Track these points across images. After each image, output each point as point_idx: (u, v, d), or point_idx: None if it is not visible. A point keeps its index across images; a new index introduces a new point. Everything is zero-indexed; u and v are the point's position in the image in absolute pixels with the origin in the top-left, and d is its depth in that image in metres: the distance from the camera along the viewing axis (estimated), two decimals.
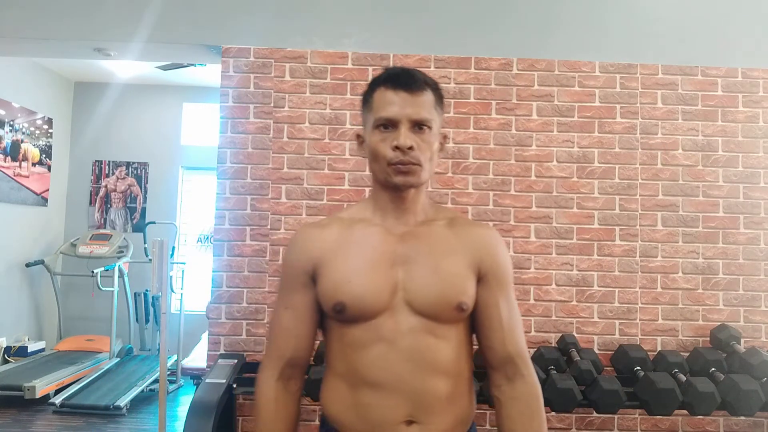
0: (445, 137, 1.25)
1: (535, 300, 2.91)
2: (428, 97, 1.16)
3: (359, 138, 1.24)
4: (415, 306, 1.13)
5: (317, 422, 2.87)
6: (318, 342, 2.92)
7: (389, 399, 1.11)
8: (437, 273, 1.14)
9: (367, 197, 1.27)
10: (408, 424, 1.11)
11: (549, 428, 3.00)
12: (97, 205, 5.83)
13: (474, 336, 1.23)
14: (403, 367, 1.11)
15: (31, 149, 5.28)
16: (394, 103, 1.13)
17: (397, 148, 1.12)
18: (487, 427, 2.78)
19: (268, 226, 2.92)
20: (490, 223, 2.91)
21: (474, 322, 1.20)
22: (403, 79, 1.15)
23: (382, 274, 1.14)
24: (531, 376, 1.19)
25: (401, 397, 1.11)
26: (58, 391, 4.25)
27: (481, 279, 1.18)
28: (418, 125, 1.13)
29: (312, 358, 2.75)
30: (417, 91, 1.14)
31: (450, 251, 1.17)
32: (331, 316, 1.16)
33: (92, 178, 5.85)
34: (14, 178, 5.07)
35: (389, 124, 1.14)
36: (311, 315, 1.21)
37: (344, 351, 1.16)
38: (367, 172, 3.21)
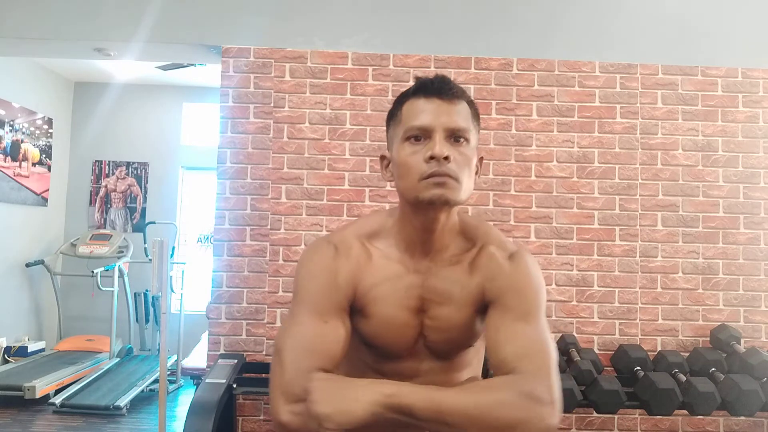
0: (481, 159, 1.11)
1: None
2: (464, 107, 1.04)
3: (384, 160, 1.12)
4: (434, 352, 1.13)
5: None
6: None
7: None
8: (454, 322, 1.09)
9: (388, 217, 1.15)
10: None
11: None
12: (97, 205, 5.82)
13: None
14: None
15: (31, 149, 5.28)
16: (426, 110, 1.01)
17: (431, 158, 0.98)
18: None
19: (268, 226, 2.92)
20: (490, 224, 2.90)
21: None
22: (437, 85, 1.03)
23: (411, 324, 1.10)
24: (531, 378, 0.96)
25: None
26: (58, 391, 4.25)
27: (491, 301, 1.07)
28: (455, 136, 1.01)
29: None
30: (453, 99, 1.02)
31: (465, 294, 1.09)
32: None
33: (92, 178, 5.85)
34: (14, 178, 5.07)
35: (422, 135, 1.01)
36: (348, 340, 1.07)
37: (364, 371, 1.15)
38: (367, 172, 3.22)
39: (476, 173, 1.09)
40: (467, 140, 1.03)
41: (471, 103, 1.07)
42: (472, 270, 1.09)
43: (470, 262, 1.10)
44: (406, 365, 1.13)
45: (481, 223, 1.17)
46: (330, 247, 1.10)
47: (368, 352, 1.16)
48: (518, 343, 1.00)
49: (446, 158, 0.98)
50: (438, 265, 1.10)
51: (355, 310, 1.10)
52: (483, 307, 1.08)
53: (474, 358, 1.22)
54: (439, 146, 0.99)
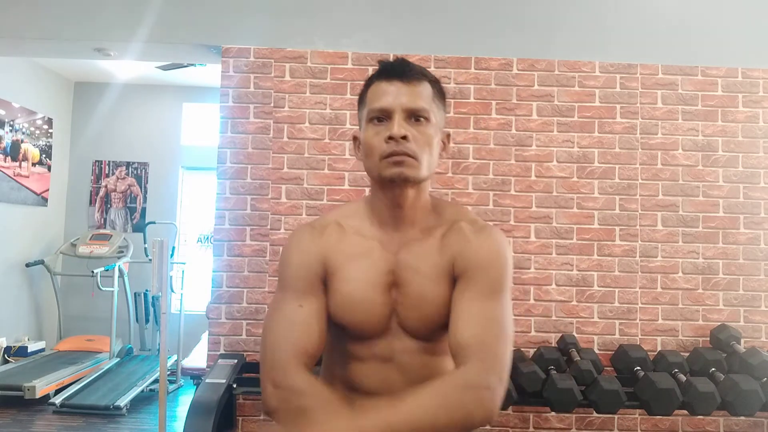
0: (448, 136, 1.16)
1: (535, 300, 2.91)
2: (425, 88, 1.09)
3: (356, 140, 1.17)
4: (408, 330, 1.11)
5: None
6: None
7: None
8: (426, 297, 1.09)
9: (364, 198, 1.20)
10: None
11: (549, 428, 2.99)
12: (97, 205, 5.82)
13: None
14: (397, 379, 1.11)
15: (31, 149, 5.28)
16: (387, 93, 1.07)
17: (390, 138, 1.04)
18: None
19: (268, 226, 2.92)
20: (490, 224, 2.91)
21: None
22: (397, 68, 1.09)
23: (379, 301, 1.10)
24: (472, 368, 0.97)
25: None
26: (58, 391, 4.25)
27: (459, 274, 1.08)
28: (414, 116, 1.06)
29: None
30: (412, 80, 1.07)
31: (437, 269, 1.10)
32: (335, 323, 1.15)
33: (92, 178, 5.85)
34: (14, 178, 5.06)
35: (383, 116, 1.07)
36: (325, 316, 1.10)
37: (343, 358, 1.16)
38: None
39: (443, 149, 1.14)
40: (427, 119, 1.07)
41: (435, 83, 1.12)
42: (443, 245, 1.11)
43: (441, 237, 1.12)
44: (380, 346, 1.12)
45: (454, 204, 1.23)
46: (306, 230, 1.16)
47: (343, 334, 1.14)
48: (475, 326, 1.02)
49: (404, 138, 1.04)
50: (409, 240, 1.12)
51: (327, 286, 1.12)
52: (455, 282, 1.09)
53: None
54: (397, 127, 1.04)
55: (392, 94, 1.06)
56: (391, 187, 1.08)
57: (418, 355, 1.12)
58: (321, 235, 1.14)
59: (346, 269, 1.11)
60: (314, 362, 1.06)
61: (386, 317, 1.11)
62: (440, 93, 1.13)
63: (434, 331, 1.11)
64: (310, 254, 1.12)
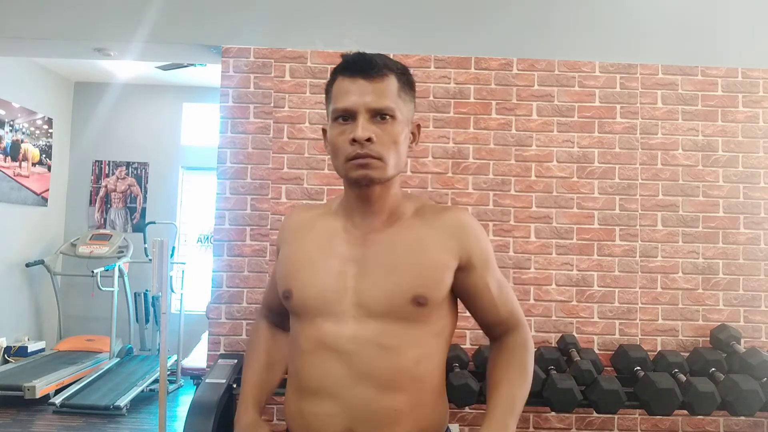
0: (418, 127, 1.14)
1: (535, 300, 2.91)
2: (390, 83, 1.05)
3: (325, 134, 1.14)
4: (364, 309, 1.05)
5: None
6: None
7: (329, 408, 1.04)
8: (394, 269, 1.06)
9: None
10: None
11: (549, 428, 2.99)
12: (97, 205, 5.83)
13: (451, 330, 1.18)
14: (344, 375, 1.04)
15: (31, 149, 5.28)
16: (350, 91, 1.04)
17: (354, 141, 1.02)
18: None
19: (268, 226, 2.92)
20: (490, 224, 2.91)
21: (466, 305, 1.18)
22: (359, 65, 1.05)
23: (331, 274, 1.08)
24: (522, 330, 1.18)
25: (340, 408, 1.03)
26: (58, 391, 4.25)
27: (464, 266, 1.11)
28: (379, 115, 1.04)
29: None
30: (375, 78, 1.04)
31: (417, 243, 1.08)
32: (284, 304, 1.17)
33: (92, 178, 5.85)
34: (14, 178, 5.07)
35: (347, 116, 1.04)
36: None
37: (293, 354, 1.13)
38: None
39: (413, 141, 1.13)
40: (393, 117, 1.05)
41: (401, 74, 1.09)
42: (419, 215, 1.13)
43: (414, 213, 1.14)
44: (330, 331, 1.05)
45: (418, 196, 1.25)
46: (298, 207, 1.31)
47: (296, 321, 1.13)
48: (502, 301, 1.17)
49: (368, 140, 1.02)
50: (378, 228, 1.12)
51: (279, 255, 1.24)
52: (442, 246, 1.09)
53: (426, 357, 1.09)
54: (361, 129, 1.02)
55: (355, 93, 1.03)
56: (358, 186, 1.09)
57: (369, 346, 1.04)
58: (299, 214, 1.24)
59: (300, 241, 1.16)
60: (278, 317, 1.31)
61: (336, 294, 1.06)
62: (407, 84, 1.10)
63: (397, 307, 1.05)
64: (284, 229, 1.24)
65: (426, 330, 1.08)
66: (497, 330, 1.19)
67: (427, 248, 1.08)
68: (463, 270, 1.11)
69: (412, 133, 1.13)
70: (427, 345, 1.09)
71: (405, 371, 1.05)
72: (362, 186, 1.07)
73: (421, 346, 1.08)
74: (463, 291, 1.14)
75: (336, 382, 1.04)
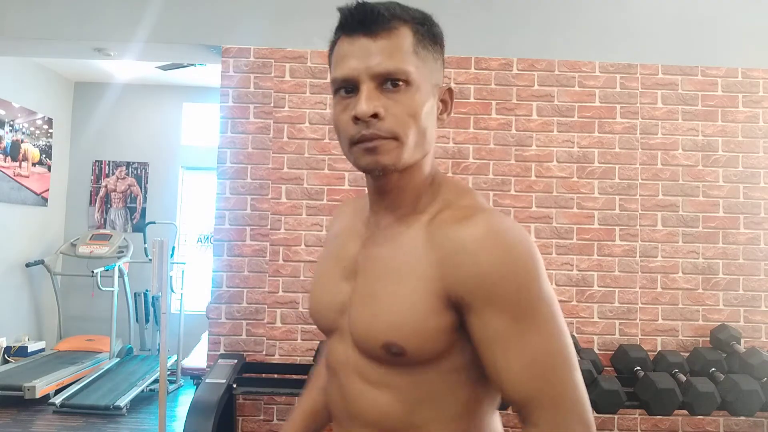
0: (449, 92, 0.86)
1: None
2: (402, 37, 0.79)
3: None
4: (353, 335, 0.83)
5: None
6: (318, 342, 2.90)
7: None
8: (374, 297, 0.81)
9: None
10: None
11: None
12: (97, 205, 5.82)
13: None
14: (338, 402, 0.87)
15: (31, 149, 5.28)
16: (350, 55, 0.79)
17: (357, 119, 0.77)
18: None
19: (268, 226, 2.92)
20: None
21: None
22: (358, 17, 0.78)
23: (332, 288, 0.88)
24: (546, 426, 0.72)
25: None
26: (58, 391, 4.25)
27: (465, 305, 0.75)
28: (390, 81, 0.78)
29: (313, 358, 2.76)
30: (381, 33, 0.78)
31: (404, 266, 0.79)
32: None
33: (92, 178, 5.85)
34: (14, 178, 5.06)
35: (349, 87, 0.80)
36: None
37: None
38: None
39: (444, 111, 0.85)
40: (407, 82, 0.78)
41: (420, 24, 0.81)
42: (429, 225, 0.81)
43: (429, 220, 0.81)
44: (335, 349, 0.87)
45: (454, 184, 0.88)
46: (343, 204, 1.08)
47: None
48: (525, 373, 0.72)
49: (375, 116, 0.77)
50: (383, 227, 0.87)
51: None
52: (429, 277, 0.77)
53: (422, 409, 0.79)
54: (365, 102, 0.77)
55: (356, 57, 0.78)
56: (372, 176, 0.85)
57: (355, 376, 0.83)
58: (346, 205, 1.03)
59: (328, 244, 0.98)
60: None
61: (336, 312, 0.87)
62: (430, 36, 0.82)
63: (372, 350, 0.79)
64: (328, 228, 1.06)
65: (430, 368, 0.78)
66: (520, 415, 0.76)
67: (411, 278, 0.78)
68: (463, 311, 0.76)
69: (442, 101, 0.85)
70: (429, 385, 0.78)
71: (393, 419, 0.80)
72: (374, 176, 0.84)
73: (419, 387, 0.79)
74: (474, 344, 0.77)
75: (337, 414, 0.88)
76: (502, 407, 0.90)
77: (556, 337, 0.73)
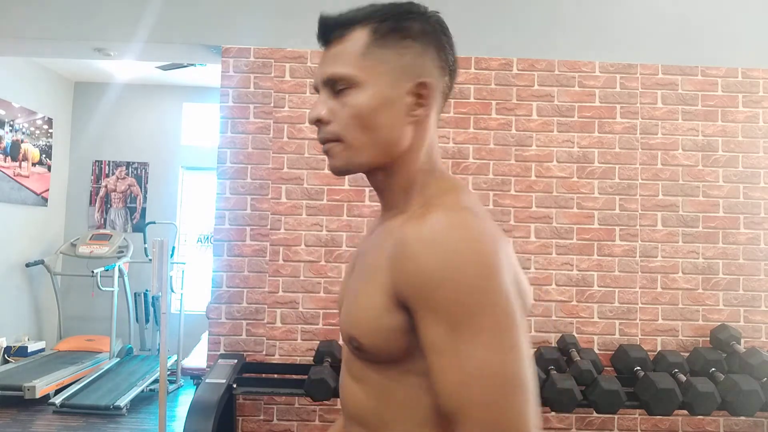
0: (421, 85, 0.81)
1: (535, 300, 2.91)
2: (352, 40, 0.79)
3: None
4: (344, 339, 0.84)
5: (317, 422, 2.88)
6: (318, 342, 2.90)
7: None
8: (352, 295, 0.82)
9: None
10: None
11: (549, 428, 2.99)
12: (97, 205, 5.83)
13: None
14: (343, 398, 0.88)
15: (31, 149, 5.28)
16: (318, 65, 0.84)
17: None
18: None
19: (268, 226, 2.92)
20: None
21: None
22: (320, 30, 0.82)
23: (343, 287, 0.91)
24: None
25: None
26: (58, 391, 4.25)
27: (410, 308, 0.71)
28: (337, 85, 0.80)
29: (313, 358, 2.76)
30: (333, 40, 0.81)
31: (373, 264, 0.79)
32: None
33: (92, 178, 5.85)
34: (14, 178, 5.07)
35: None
36: None
37: None
38: None
39: (417, 104, 0.81)
40: (351, 84, 0.79)
41: (380, 21, 0.80)
42: (402, 224, 0.77)
43: (405, 219, 0.78)
44: (345, 350, 0.88)
45: (441, 183, 0.84)
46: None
47: None
48: (448, 380, 0.67)
49: (320, 121, 0.81)
50: (377, 227, 0.88)
51: None
52: (383, 276, 0.75)
53: (392, 404, 0.77)
54: (311, 109, 0.81)
55: (318, 67, 0.83)
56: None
57: (345, 369, 0.86)
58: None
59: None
60: None
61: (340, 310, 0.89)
62: (394, 32, 0.80)
63: (348, 343, 0.80)
64: None
65: (394, 368, 0.77)
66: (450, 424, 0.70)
67: (375, 277, 0.77)
68: (411, 314, 0.72)
69: (416, 95, 0.81)
70: (396, 385, 0.77)
71: (370, 413, 0.80)
72: (368, 176, 0.87)
73: (386, 386, 0.77)
74: None
75: (343, 405, 0.89)
76: None
77: (496, 353, 0.65)
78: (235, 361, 2.70)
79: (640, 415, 2.85)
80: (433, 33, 0.85)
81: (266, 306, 2.89)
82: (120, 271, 5.13)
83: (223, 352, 2.86)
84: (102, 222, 5.80)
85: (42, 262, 5.18)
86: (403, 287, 0.71)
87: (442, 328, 0.67)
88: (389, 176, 0.84)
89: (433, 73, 0.85)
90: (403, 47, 0.81)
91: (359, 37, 0.79)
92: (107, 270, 5.01)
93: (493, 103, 2.96)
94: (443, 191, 0.81)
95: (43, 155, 5.44)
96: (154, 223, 5.44)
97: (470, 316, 0.66)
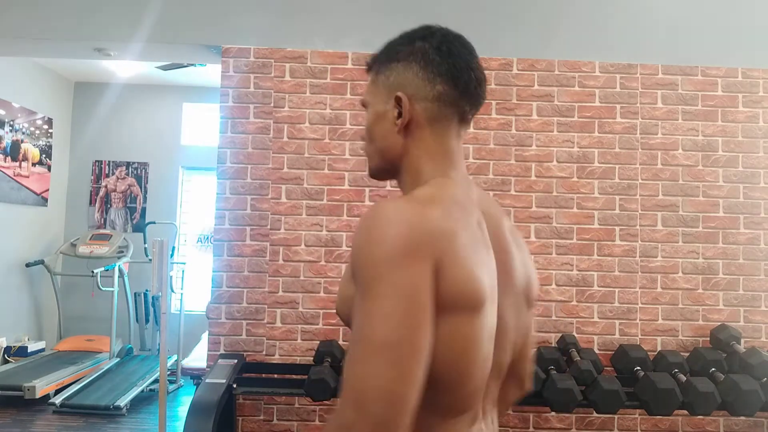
0: (396, 99, 0.92)
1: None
2: (372, 76, 1.00)
3: None
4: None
5: (317, 422, 2.88)
6: (318, 342, 2.89)
7: None
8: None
9: None
10: None
11: (549, 428, 2.99)
12: (97, 205, 5.82)
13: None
14: None
15: (31, 149, 5.28)
16: None
17: None
18: None
19: (268, 226, 2.92)
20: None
21: None
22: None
23: None
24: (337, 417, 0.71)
25: None
26: (58, 391, 4.25)
27: None
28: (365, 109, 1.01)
29: (313, 358, 2.76)
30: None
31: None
32: None
33: (92, 178, 5.85)
34: (14, 178, 5.06)
35: None
36: None
37: None
38: (367, 171, 3.19)
39: (398, 117, 0.92)
40: (366, 107, 0.99)
41: (375, 60, 1.00)
42: None
43: None
44: None
45: (427, 181, 0.92)
46: None
47: None
48: (350, 355, 0.73)
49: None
50: None
51: None
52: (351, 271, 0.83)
53: None
54: None
55: None
56: None
57: None
58: None
59: None
60: None
61: None
62: (383, 61, 0.97)
63: (343, 320, 0.94)
64: None
65: None
66: None
67: None
68: None
69: (396, 110, 0.92)
70: None
71: None
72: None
73: None
74: None
75: None
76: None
77: (373, 319, 0.71)
78: (235, 361, 2.70)
79: (640, 415, 2.85)
80: (419, 52, 0.96)
81: (266, 306, 2.89)
82: (120, 271, 5.13)
83: (223, 352, 2.86)
84: (102, 222, 5.80)
85: (42, 262, 5.18)
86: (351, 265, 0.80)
87: (358, 295, 0.75)
88: (398, 178, 0.98)
89: (415, 85, 0.94)
90: (390, 69, 0.96)
91: (372, 73, 1.00)
92: (107, 270, 5.01)
93: (493, 103, 2.96)
94: (421, 187, 0.91)
95: (43, 155, 5.44)
96: (154, 223, 5.44)
97: (366, 286, 0.73)
